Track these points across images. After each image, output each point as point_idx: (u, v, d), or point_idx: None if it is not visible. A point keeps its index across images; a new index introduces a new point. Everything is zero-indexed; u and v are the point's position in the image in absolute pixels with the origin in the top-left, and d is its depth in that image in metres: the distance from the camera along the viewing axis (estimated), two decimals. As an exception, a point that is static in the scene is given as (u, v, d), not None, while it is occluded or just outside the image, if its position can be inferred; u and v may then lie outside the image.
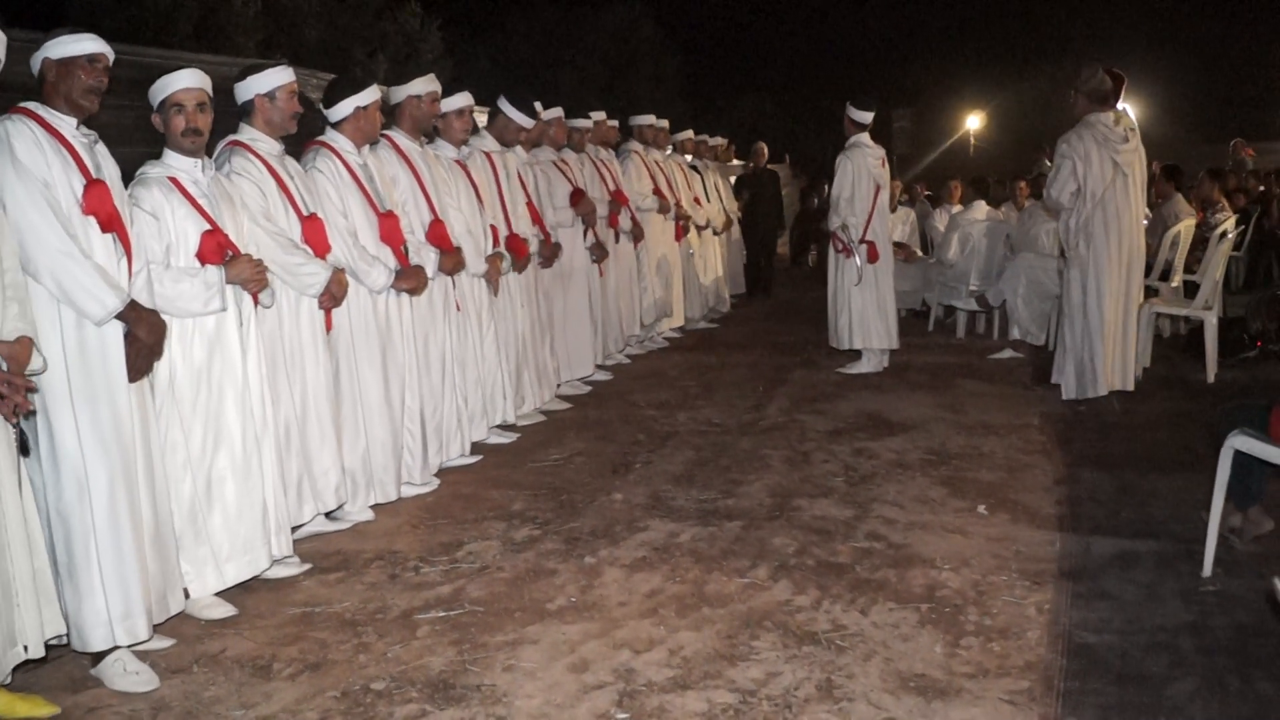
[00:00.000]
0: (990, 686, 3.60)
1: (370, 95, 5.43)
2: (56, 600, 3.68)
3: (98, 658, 3.79)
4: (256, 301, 4.53)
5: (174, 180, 4.27)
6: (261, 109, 4.90)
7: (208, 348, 4.32)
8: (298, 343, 4.97)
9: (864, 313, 8.72)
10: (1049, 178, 7.61)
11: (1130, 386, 7.55)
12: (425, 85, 6.05)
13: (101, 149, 3.93)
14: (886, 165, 8.93)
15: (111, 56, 3.95)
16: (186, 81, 4.30)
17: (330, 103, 5.43)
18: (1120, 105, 8.01)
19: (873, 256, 8.70)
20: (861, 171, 8.67)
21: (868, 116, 8.82)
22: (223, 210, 4.40)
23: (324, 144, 5.41)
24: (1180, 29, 42.24)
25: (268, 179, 4.85)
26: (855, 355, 8.94)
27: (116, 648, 3.78)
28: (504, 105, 7.07)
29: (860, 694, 3.57)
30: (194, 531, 4.31)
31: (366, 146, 5.58)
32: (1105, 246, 7.30)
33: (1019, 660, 3.78)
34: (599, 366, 8.73)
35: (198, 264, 4.24)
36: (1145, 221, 8.46)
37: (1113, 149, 7.25)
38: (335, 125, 5.44)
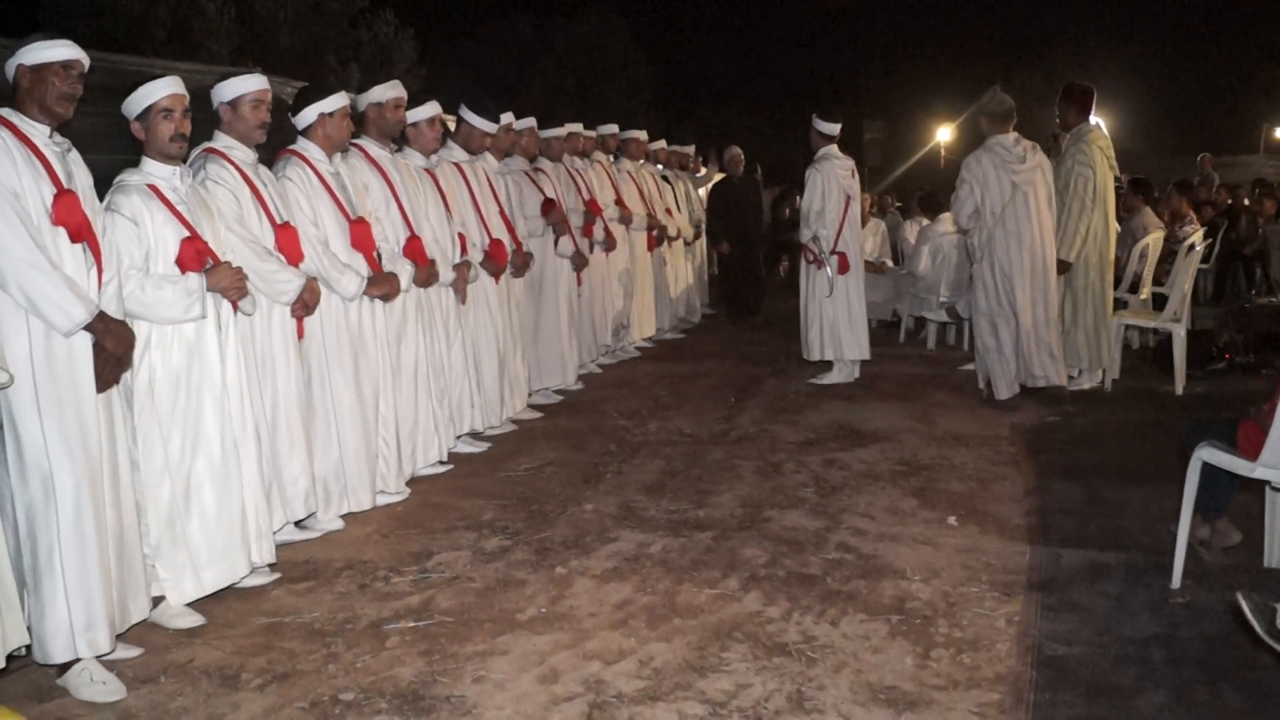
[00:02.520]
0: (960, 698, 3.61)
1: (335, 102, 5.42)
2: (19, 609, 3.65)
3: (64, 667, 3.76)
4: (236, 309, 4.51)
5: (153, 187, 4.26)
6: (225, 116, 4.90)
7: (187, 353, 4.31)
8: (269, 350, 4.96)
9: (835, 323, 8.74)
10: (952, 199, 8.05)
11: (1063, 381, 7.95)
12: (386, 92, 6.02)
13: (74, 157, 3.91)
14: (856, 176, 8.95)
15: (86, 63, 3.93)
16: (174, 88, 4.33)
17: (296, 110, 5.43)
18: (1093, 119, 8.12)
19: (843, 268, 8.72)
20: (831, 183, 8.69)
21: (834, 128, 8.85)
22: (201, 218, 4.39)
23: (294, 152, 5.40)
24: (1150, 45, 42.65)
25: (243, 186, 4.84)
26: (826, 366, 8.96)
27: (79, 659, 3.74)
28: (465, 113, 7.04)
29: (830, 705, 3.57)
30: (172, 537, 4.29)
31: (338, 154, 5.57)
32: (1014, 258, 7.74)
33: (989, 672, 3.79)
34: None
35: (177, 271, 4.23)
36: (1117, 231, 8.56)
37: (1010, 169, 7.68)
38: (303, 133, 5.43)
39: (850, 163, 8.94)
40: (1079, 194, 7.89)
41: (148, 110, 4.28)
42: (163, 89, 4.29)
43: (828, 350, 8.80)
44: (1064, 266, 7.99)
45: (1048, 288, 7.84)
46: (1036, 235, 7.76)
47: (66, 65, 3.84)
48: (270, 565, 4.82)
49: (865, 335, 8.91)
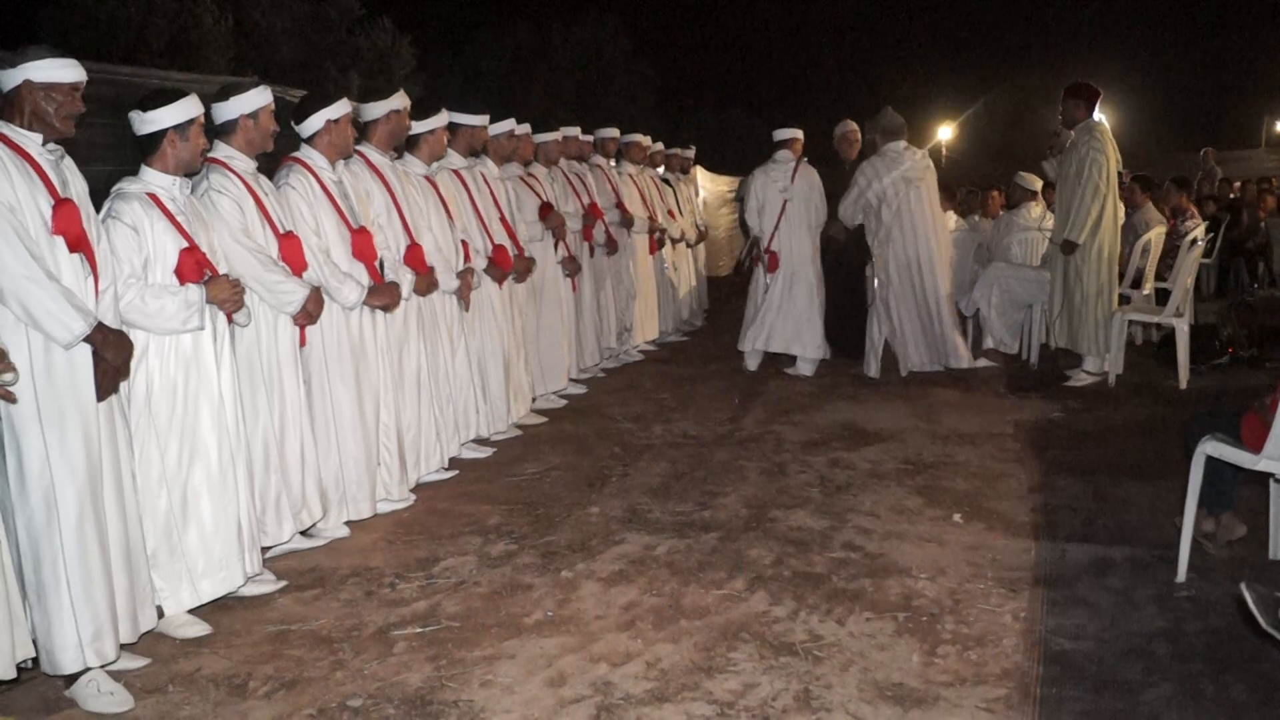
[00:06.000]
0: (967, 695, 3.61)
1: (340, 109, 5.42)
2: (25, 622, 3.65)
3: (71, 678, 3.76)
4: (231, 320, 4.51)
5: (153, 196, 4.25)
6: (244, 129, 4.90)
7: (184, 364, 4.30)
8: (275, 360, 4.95)
9: (770, 318, 9.35)
10: (844, 196, 9.14)
11: (941, 366, 8.97)
12: (402, 99, 6.06)
13: (68, 164, 3.90)
14: (797, 178, 9.29)
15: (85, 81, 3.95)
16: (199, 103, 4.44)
17: (301, 118, 5.41)
18: (1097, 116, 8.19)
19: (771, 266, 9.28)
20: (765, 187, 9.33)
21: (781, 134, 9.48)
22: (197, 229, 4.39)
23: (298, 160, 5.39)
24: (1151, 40, 42.68)
25: (246, 196, 4.84)
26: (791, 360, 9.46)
27: (88, 669, 3.75)
28: (458, 117, 6.98)
29: (838, 704, 3.58)
30: (169, 548, 4.29)
31: (341, 162, 5.58)
32: (909, 251, 8.84)
33: (995, 668, 3.79)
34: (574, 380, 8.72)
35: (175, 280, 4.23)
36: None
37: (900, 166, 8.83)
38: (308, 141, 5.43)
39: (787, 167, 9.33)
40: (1093, 178, 8.05)
41: (189, 124, 4.35)
42: (199, 104, 4.38)
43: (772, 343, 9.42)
44: (1070, 247, 8.15)
45: (937, 277, 8.88)
46: (934, 228, 8.88)
47: (75, 86, 3.85)
48: (275, 574, 4.84)
49: (796, 332, 9.36)
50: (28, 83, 3.78)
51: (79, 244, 3.78)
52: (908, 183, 8.75)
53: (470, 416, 6.73)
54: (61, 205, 3.73)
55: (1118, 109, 30.13)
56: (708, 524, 5.42)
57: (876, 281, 9.02)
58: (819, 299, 9.31)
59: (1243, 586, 3.45)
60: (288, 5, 28.61)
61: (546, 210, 8.06)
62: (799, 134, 9.49)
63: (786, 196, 9.20)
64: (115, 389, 3.93)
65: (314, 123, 5.40)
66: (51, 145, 3.85)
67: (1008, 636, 4.04)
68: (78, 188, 3.89)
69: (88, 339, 3.72)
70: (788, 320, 9.30)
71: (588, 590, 4.62)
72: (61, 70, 3.83)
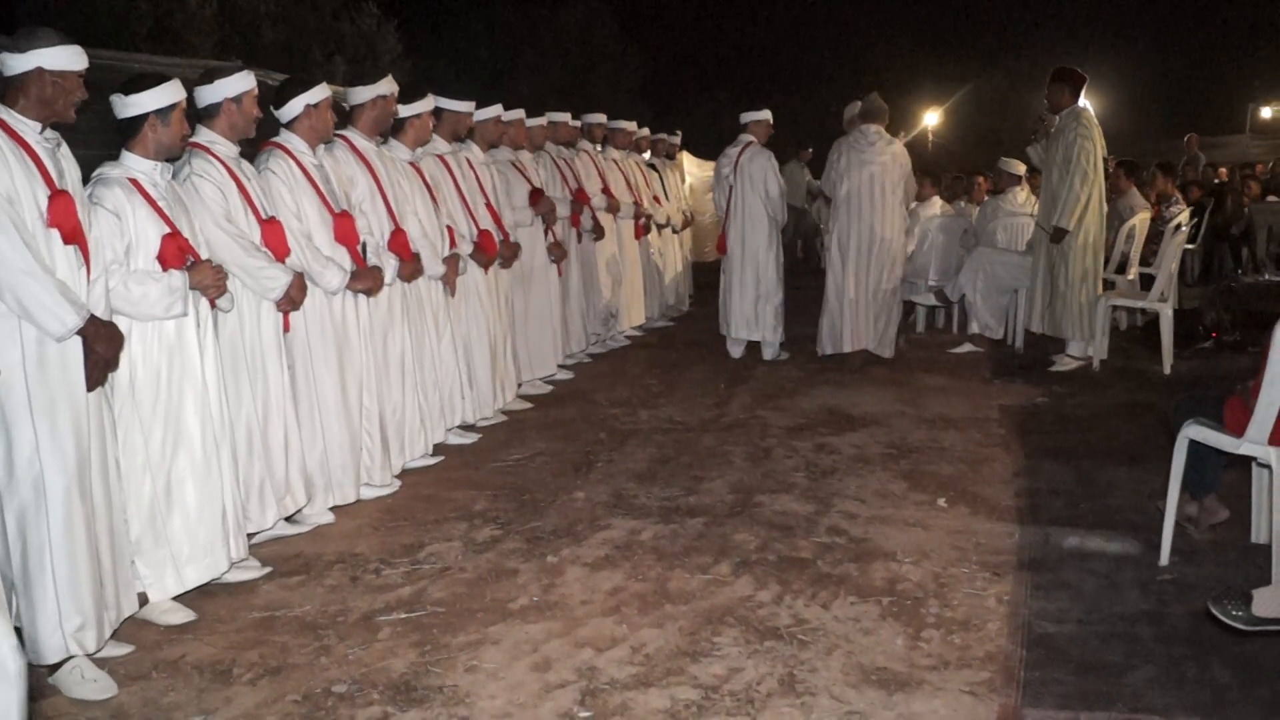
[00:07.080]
0: (951, 678, 3.63)
1: (320, 93, 5.39)
2: (8, 612, 3.63)
3: (54, 666, 3.74)
4: (214, 306, 4.50)
5: (134, 182, 4.23)
6: (228, 113, 4.87)
7: (167, 350, 4.28)
8: (259, 346, 4.94)
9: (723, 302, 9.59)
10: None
11: (886, 353, 8.88)
12: (390, 85, 6.05)
13: (65, 152, 3.88)
14: (740, 163, 9.32)
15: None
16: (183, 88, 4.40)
17: (280, 103, 5.38)
18: (1082, 102, 8.21)
19: (720, 248, 9.51)
20: (717, 171, 9.65)
21: (744, 117, 9.52)
22: (179, 214, 4.36)
23: (278, 145, 5.37)
24: (1136, 26, 42.70)
25: (229, 181, 4.82)
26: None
27: (71, 657, 3.74)
28: (443, 102, 6.96)
29: (822, 688, 3.59)
30: (153, 534, 4.28)
31: (321, 146, 5.55)
32: (850, 233, 8.74)
33: (979, 651, 3.80)
34: (560, 365, 8.71)
35: (158, 266, 4.21)
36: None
37: (860, 153, 8.71)
38: (288, 125, 5.40)
39: (733, 151, 9.37)
40: (1081, 164, 8.08)
41: (170, 108, 4.32)
42: (181, 89, 4.36)
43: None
44: (1060, 234, 8.16)
45: (878, 265, 8.72)
46: (878, 216, 8.70)
47: (81, 74, 3.85)
48: (260, 560, 4.83)
49: (746, 317, 9.42)
50: (40, 69, 3.75)
51: (74, 236, 3.77)
52: (863, 166, 8.66)
53: (456, 402, 6.71)
54: (57, 197, 3.71)
55: (1103, 95, 30.15)
56: (693, 509, 5.42)
57: (824, 257, 9.17)
58: (758, 280, 9.31)
59: (1210, 606, 3.56)
60: (272, -11, 28.44)
61: (537, 196, 8.04)
62: (761, 116, 9.43)
63: (730, 181, 9.31)
64: (104, 380, 3.92)
65: (293, 108, 5.37)
66: (49, 133, 3.82)
67: (992, 620, 4.06)
68: (73, 177, 3.87)
69: (80, 332, 3.70)
70: (736, 304, 9.41)
71: (573, 575, 4.62)
72: (75, 58, 3.83)
